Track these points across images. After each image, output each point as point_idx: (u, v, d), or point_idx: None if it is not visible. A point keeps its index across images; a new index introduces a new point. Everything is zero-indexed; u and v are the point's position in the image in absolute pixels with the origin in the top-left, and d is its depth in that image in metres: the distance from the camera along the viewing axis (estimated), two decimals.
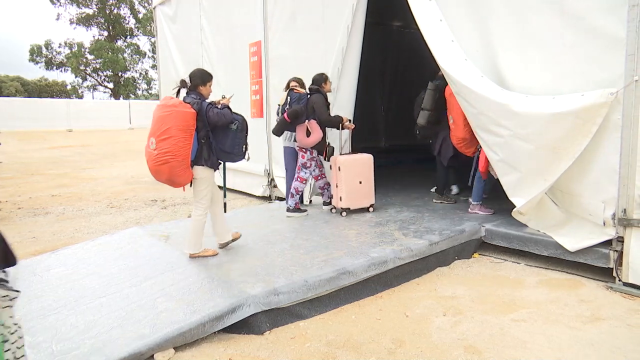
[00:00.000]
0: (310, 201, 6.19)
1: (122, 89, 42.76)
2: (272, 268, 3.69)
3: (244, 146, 4.09)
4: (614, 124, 3.51)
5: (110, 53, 39.86)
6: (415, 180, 7.74)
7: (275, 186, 7.20)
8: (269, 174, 7.33)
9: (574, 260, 3.89)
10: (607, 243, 3.70)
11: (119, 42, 42.06)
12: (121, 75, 42.44)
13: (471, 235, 4.56)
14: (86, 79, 43.21)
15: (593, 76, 3.59)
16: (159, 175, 3.79)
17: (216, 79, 8.87)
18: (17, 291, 1.92)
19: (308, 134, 5.36)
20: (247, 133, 4.09)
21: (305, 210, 5.59)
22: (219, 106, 3.95)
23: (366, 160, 5.45)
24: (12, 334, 1.89)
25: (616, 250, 3.64)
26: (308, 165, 5.52)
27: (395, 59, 11.94)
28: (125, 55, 41.76)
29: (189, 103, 3.82)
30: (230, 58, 8.21)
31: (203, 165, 3.94)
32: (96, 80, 43.02)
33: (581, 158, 3.68)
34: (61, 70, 41.84)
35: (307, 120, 5.35)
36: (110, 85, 43.28)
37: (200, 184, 4.00)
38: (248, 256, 4.08)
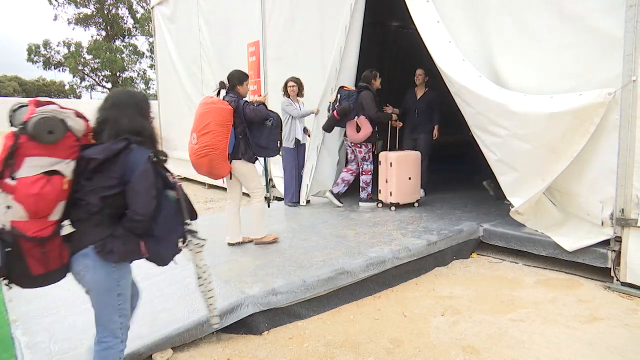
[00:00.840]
0: (308, 201, 6.19)
1: None
2: (271, 268, 3.69)
3: (278, 142, 4.34)
4: (611, 123, 3.51)
5: (108, 53, 39.77)
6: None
7: (273, 186, 7.19)
8: (267, 174, 7.32)
9: (572, 260, 3.90)
10: (605, 243, 3.70)
11: (117, 42, 41.96)
12: (119, 75, 42.35)
13: (469, 235, 4.56)
14: (84, 79, 43.10)
15: (591, 76, 3.60)
16: (199, 167, 4.05)
17: (215, 79, 8.87)
18: (205, 239, 2.43)
19: (358, 129, 5.58)
20: (281, 129, 4.38)
21: (378, 200, 5.80)
22: (255, 104, 4.19)
23: (415, 157, 5.71)
24: (204, 272, 2.43)
25: (614, 250, 3.65)
26: (367, 157, 5.76)
27: (394, 59, 11.94)
28: (124, 55, 41.67)
29: (227, 101, 4.09)
30: (228, 58, 8.20)
31: (241, 159, 4.18)
32: (94, 80, 42.92)
33: (579, 158, 3.68)
34: (59, 70, 41.72)
35: (356, 117, 5.55)
36: (109, 85, 43.17)
37: (246, 178, 4.29)
38: (246, 256, 4.07)
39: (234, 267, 3.78)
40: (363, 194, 5.92)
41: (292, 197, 6.16)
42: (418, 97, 6.27)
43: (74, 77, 43.14)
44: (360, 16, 5.65)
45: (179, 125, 9.97)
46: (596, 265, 3.76)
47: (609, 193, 3.61)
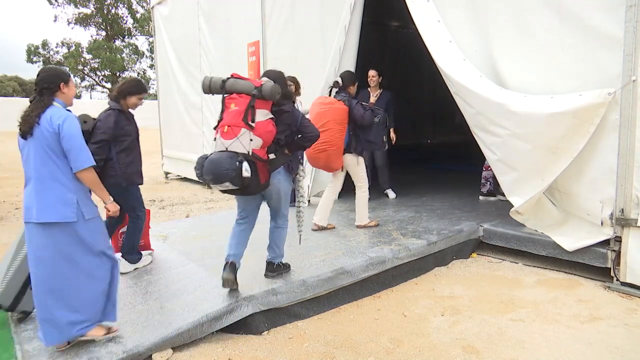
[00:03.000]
0: (309, 201, 6.19)
1: None
2: None
3: (384, 137, 4.76)
4: (611, 123, 3.51)
5: (108, 53, 39.77)
6: (413, 180, 7.74)
7: None
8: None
9: (571, 260, 3.90)
10: (605, 243, 3.70)
11: (117, 42, 41.97)
12: (119, 75, 42.33)
13: (469, 235, 4.56)
14: (84, 79, 43.11)
15: (591, 76, 3.60)
16: (316, 161, 4.47)
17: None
18: (304, 172, 3.53)
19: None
20: (386, 126, 4.80)
21: (499, 194, 5.72)
22: (368, 108, 4.55)
23: None
24: (301, 196, 3.64)
25: (614, 250, 3.65)
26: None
27: (393, 59, 11.95)
28: (123, 55, 41.68)
29: (340, 100, 4.45)
30: (228, 58, 8.20)
31: (352, 153, 4.58)
32: (94, 80, 42.93)
33: (579, 158, 3.68)
34: None
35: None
36: (108, 85, 43.16)
37: (354, 169, 4.67)
38: (246, 256, 4.06)
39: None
40: (484, 189, 6.03)
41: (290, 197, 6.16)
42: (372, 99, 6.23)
43: (73, 77, 43.04)
44: (359, 16, 5.65)
45: (178, 125, 9.98)
46: (596, 265, 3.76)
47: (609, 193, 3.61)
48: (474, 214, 5.17)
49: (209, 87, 3.25)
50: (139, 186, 3.91)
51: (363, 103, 4.57)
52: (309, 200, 6.18)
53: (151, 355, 2.72)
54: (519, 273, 4.06)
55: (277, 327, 3.18)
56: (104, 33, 41.57)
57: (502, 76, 4.19)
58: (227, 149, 2.97)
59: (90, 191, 2.80)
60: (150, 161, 14.05)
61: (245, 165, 2.92)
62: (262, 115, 3.07)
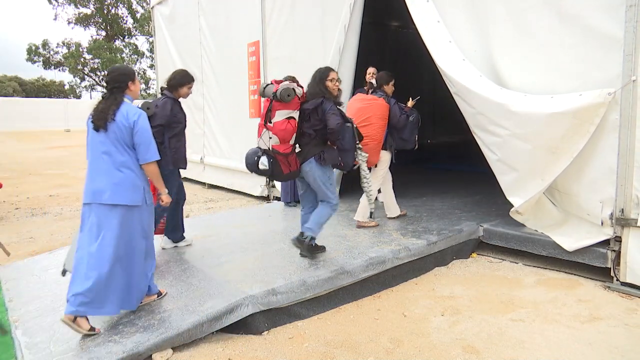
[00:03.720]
0: None
1: None
2: (271, 268, 3.69)
3: (417, 136, 4.90)
4: (611, 123, 3.51)
5: (108, 53, 39.79)
6: (413, 180, 7.74)
7: (273, 186, 7.20)
8: None
9: (571, 260, 3.90)
10: (605, 243, 3.70)
11: (117, 42, 42.00)
12: None
13: (469, 235, 4.56)
14: (84, 79, 43.14)
15: (591, 76, 3.60)
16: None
17: (215, 78, 8.87)
18: (366, 154, 4.09)
19: None
20: (419, 125, 4.93)
21: None
22: (405, 111, 4.78)
23: None
24: (365, 177, 4.18)
25: (614, 250, 3.65)
26: None
27: (393, 59, 11.95)
28: (124, 55, 41.69)
29: (381, 97, 4.73)
30: (229, 58, 8.21)
31: (386, 150, 4.82)
32: (94, 80, 42.93)
33: (579, 158, 3.68)
34: (59, 70, 41.78)
35: None
36: None
37: (382, 165, 4.87)
38: (246, 256, 4.07)
39: (234, 267, 3.78)
40: None
41: (287, 196, 6.17)
42: None
43: (73, 77, 43.14)
44: (359, 16, 5.65)
45: None
46: (596, 265, 3.76)
47: (609, 193, 3.61)
48: (474, 214, 5.17)
49: (263, 93, 3.74)
50: (182, 171, 4.34)
51: (400, 104, 4.78)
52: None
53: (151, 355, 2.72)
54: (519, 273, 4.07)
55: (277, 327, 3.18)
56: (104, 33, 41.59)
57: (502, 76, 4.19)
58: (257, 145, 3.68)
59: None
60: None
61: (263, 159, 3.59)
62: (281, 115, 3.59)
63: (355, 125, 3.83)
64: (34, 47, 39.87)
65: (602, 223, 3.68)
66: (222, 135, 8.61)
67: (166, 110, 4.05)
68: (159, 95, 4.54)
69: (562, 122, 3.60)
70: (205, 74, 8.95)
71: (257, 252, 4.16)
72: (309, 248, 3.77)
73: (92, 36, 46.41)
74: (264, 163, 3.57)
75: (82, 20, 40.14)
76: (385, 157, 4.85)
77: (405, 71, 11.88)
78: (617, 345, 2.81)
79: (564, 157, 3.73)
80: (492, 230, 4.52)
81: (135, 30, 41.97)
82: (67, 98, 41.40)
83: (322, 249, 3.94)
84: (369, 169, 4.52)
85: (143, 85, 44.18)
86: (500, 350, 2.79)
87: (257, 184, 7.50)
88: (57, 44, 40.94)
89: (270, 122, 3.57)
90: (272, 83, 3.67)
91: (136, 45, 42.49)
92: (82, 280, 2.80)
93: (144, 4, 38.84)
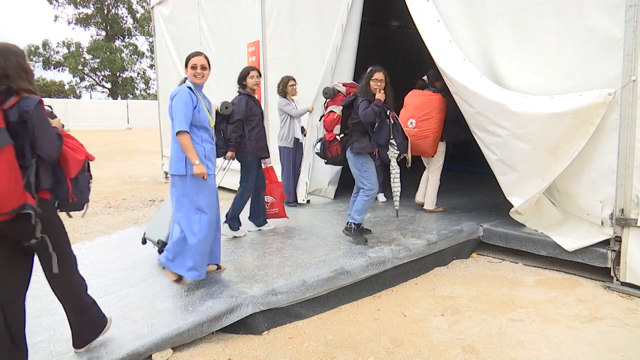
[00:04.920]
0: (308, 201, 6.19)
1: (120, 89, 42.70)
2: (270, 268, 3.69)
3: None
4: (611, 124, 3.51)
5: (108, 53, 39.80)
6: (413, 180, 7.72)
7: None
8: None
9: (571, 260, 3.90)
10: (605, 243, 3.70)
11: (117, 42, 42.01)
12: (119, 75, 42.38)
13: (469, 235, 4.56)
14: (84, 79, 43.14)
15: (591, 76, 3.60)
16: (417, 147, 4.98)
17: (215, 78, 8.87)
18: (398, 151, 4.18)
19: None
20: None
21: None
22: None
23: None
24: (395, 170, 4.24)
25: (614, 250, 3.65)
26: None
27: (393, 59, 11.94)
28: (123, 55, 41.69)
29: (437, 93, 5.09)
30: (229, 58, 8.20)
31: (443, 141, 5.15)
32: (94, 80, 42.96)
33: (579, 158, 3.68)
34: (59, 70, 41.79)
35: None
36: (108, 85, 43.21)
37: (439, 156, 5.23)
38: (246, 256, 4.07)
39: (234, 267, 3.78)
40: None
41: (287, 196, 6.17)
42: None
43: (73, 77, 43.12)
44: (357, 15, 5.65)
45: None
46: (596, 265, 3.76)
47: (609, 193, 3.61)
48: (474, 214, 5.17)
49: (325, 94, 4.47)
50: (264, 162, 4.77)
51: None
52: (308, 200, 6.19)
53: (151, 356, 2.72)
54: (519, 273, 4.07)
55: (277, 327, 3.17)
56: (104, 33, 41.60)
57: (502, 76, 4.19)
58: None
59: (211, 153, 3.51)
60: (150, 161, 14.08)
61: (317, 145, 4.43)
62: (328, 110, 4.35)
63: (394, 123, 4.17)
64: (33, 48, 39.88)
65: (602, 223, 3.68)
66: None
67: (241, 106, 4.44)
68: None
69: (562, 122, 3.60)
70: None
71: (257, 252, 4.16)
72: (354, 233, 4.23)
73: (92, 36, 46.44)
74: (317, 148, 4.40)
75: (82, 21, 40.17)
76: (442, 148, 5.18)
77: (405, 71, 11.89)
78: (617, 345, 2.81)
79: (564, 157, 3.72)
80: (492, 230, 4.52)
81: (135, 30, 41.99)
82: (67, 98, 41.34)
83: (367, 231, 4.48)
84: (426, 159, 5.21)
85: (143, 85, 44.20)
86: (500, 350, 2.79)
87: None
88: (57, 43, 40.96)
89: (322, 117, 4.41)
90: (339, 85, 4.48)
91: (136, 46, 42.51)
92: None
93: (144, 4, 38.86)
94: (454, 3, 4.53)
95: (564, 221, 4.12)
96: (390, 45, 11.80)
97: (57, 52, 40.73)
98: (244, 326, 3.09)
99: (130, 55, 42.33)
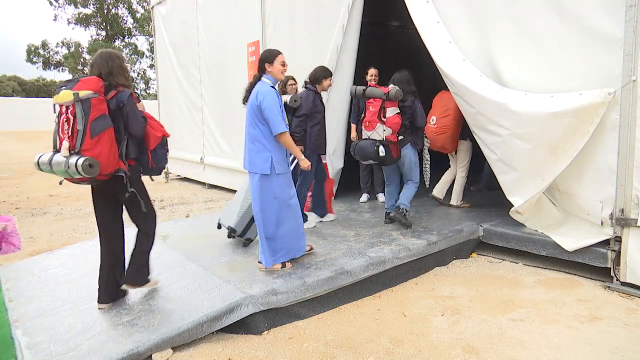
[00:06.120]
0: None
1: None
2: None
3: None
4: (611, 123, 3.51)
5: None
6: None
7: None
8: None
9: (571, 260, 3.90)
10: (605, 243, 3.70)
11: (117, 42, 41.98)
12: None
13: (469, 235, 4.56)
14: None
15: (591, 76, 3.60)
16: (435, 142, 5.29)
17: (215, 78, 8.86)
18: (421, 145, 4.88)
19: None
20: None
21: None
22: None
23: None
24: (427, 158, 5.41)
25: (614, 250, 3.65)
26: None
27: (393, 59, 11.93)
28: (123, 55, 41.66)
29: None
30: (228, 58, 8.20)
31: (465, 139, 5.31)
32: None
33: (579, 158, 3.68)
34: (59, 70, 41.75)
35: None
36: None
37: (464, 154, 5.46)
38: (246, 256, 4.07)
39: (234, 267, 3.78)
40: None
41: None
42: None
43: (73, 77, 43.07)
44: (358, 15, 5.65)
45: (178, 125, 9.98)
46: (596, 265, 3.76)
47: (609, 193, 3.61)
48: (474, 214, 5.17)
49: (355, 94, 4.67)
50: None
51: None
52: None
53: (151, 355, 2.72)
54: (519, 273, 4.07)
55: (277, 327, 3.18)
56: (104, 33, 41.56)
57: (502, 76, 4.19)
58: (369, 137, 4.47)
59: (287, 152, 3.64)
60: None
61: (381, 148, 4.37)
62: (391, 111, 4.46)
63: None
64: (33, 48, 39.86)
65: (602, 223, 3.68)
66: (222, 135, 8.61)
67: (309, 101, 4.63)
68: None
69: (562, 122, 3.60)
70: (202, 73, 8.95)
71: (255, 253, 4.16)
72: (406, 217, 4.63)
73: (92, 36, 46.34)
74: (383, 151, 4.36)
75: (82, 21, 40.12)
76: (464, 146, 5.40)
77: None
78: (617, 345, 2.81)
79: (564, 157, 3.72)
80: (492, 230, 4.52)
81: (135, 30, 41.94)
82: None
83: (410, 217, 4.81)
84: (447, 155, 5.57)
85: (143, 85, 44.16)
86: (500, 350, 2.79)
87: None
88: (57, 43, 40.93)
89: (384, 118, 4.42)
90: (369, 86, 4.64)
91: (136, 46, 42.47)
92: None
93: (144, 4, 38.83)
94: (454, 3, 4.53)
95: (564, 221, 4.12)
96: (390, 45, 11.80)
97: (57, 52, 40.71)
98: (244, 326, 3.09)
99: (130, 55, 42.29)
